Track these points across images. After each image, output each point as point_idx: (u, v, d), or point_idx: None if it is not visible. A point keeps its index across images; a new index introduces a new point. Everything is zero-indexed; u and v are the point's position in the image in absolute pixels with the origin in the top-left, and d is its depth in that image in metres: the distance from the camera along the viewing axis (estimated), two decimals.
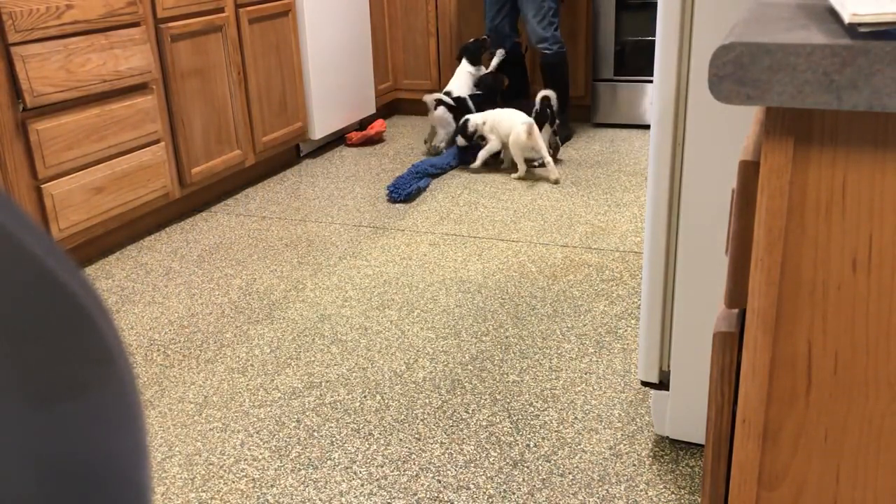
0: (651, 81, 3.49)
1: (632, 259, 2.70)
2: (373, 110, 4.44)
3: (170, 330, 2.34)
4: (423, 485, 1.66)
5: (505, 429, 1.83)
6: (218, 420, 1.90)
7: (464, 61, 4.11)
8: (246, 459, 1.76)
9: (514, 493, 1.62)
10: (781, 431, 0.69)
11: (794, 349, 0.67)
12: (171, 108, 3.03)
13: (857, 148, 0.61)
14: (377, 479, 1.68)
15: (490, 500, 1.61)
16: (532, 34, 3.91)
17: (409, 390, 1.99)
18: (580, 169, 3.69)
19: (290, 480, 1.69)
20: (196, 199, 3.33)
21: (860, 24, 0.58)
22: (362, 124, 4.42)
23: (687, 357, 1.62)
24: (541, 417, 1.86)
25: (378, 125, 4.27)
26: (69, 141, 2.59)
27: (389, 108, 4.80)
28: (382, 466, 1.72)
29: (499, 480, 1.66)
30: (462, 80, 4.08)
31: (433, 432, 1.83)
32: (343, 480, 1.68)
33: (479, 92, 4.00)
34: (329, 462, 1.74)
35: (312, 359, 2.15)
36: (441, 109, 3.91)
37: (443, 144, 3.91)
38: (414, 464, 1.72)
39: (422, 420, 1.87)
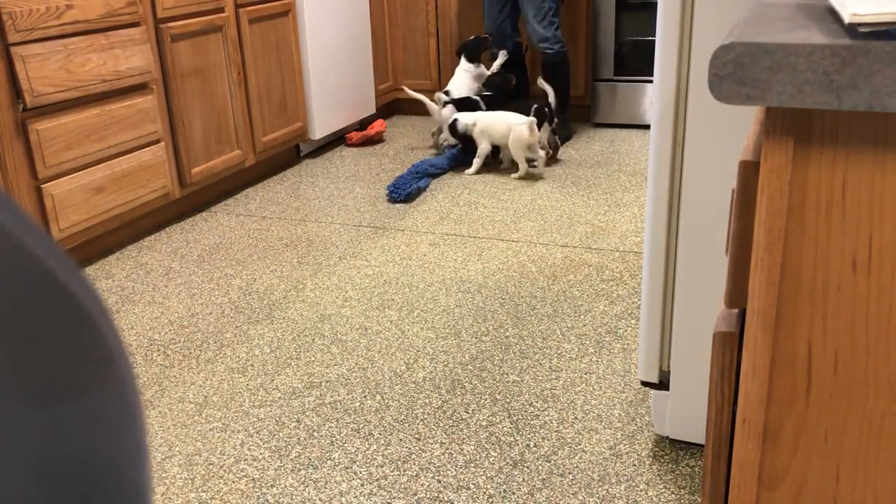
0: (651, 81, 3.49)
1: (632, 259, 2.70)
2: (373, 110, 4.44)
3: (170, 330, 2.34)
4: (423, 485, 1.66)
5: (505, 429, 1.83)
6: (218, 420, 1.90)
7: (462, 59, 4.11)
8: (246, 459, 1.76)
9: (514, 493, 1.62)
10: (781, 431, 0.69)
11: (794, 349, 0.67)
12: (171, 108, 3.03)
13: (857, 148, 0.61)
14: (377, 479, 1.68)
15: (490, 500, 1.61)
16: (533, 34, 3.91)
17: (409, 390, 1.99)
18: (580, 169, 3.69)
19: (290, 480, 1.69)
20: (196, 199, 3.33)
21: (860, 24, 0.58)
22: (362, 124, 4.42)
23: (687, 357, 1.62)
24: (541, 417, 1.86)
25: (378, 125, 4.27)
26: (69, 141, 2.59)
27: (389, 108, 4.80)
28: (382, 466, 1.72)
29: (499, 480, 1.66)
30: (461, 79, 4.08)
31: (433, 432, 1.83)
32: (343, 480, 1.68)
33: (488, 92, 3.99)
34: (329, 462, 1.74)
35: (312, 359, 2.15)
36: (448, 108, 3.93)
37: (445, 143, 3.92)
38: (414, 464, 1.72)
39: (422, 420, 1.87)
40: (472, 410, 1.90)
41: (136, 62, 2.81)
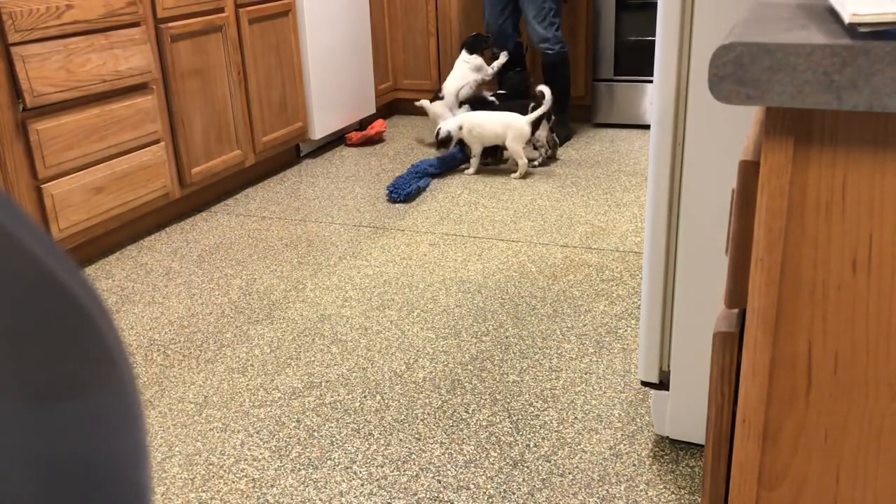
0: (651, 81, 3.49)
1: (632, 259, 2.70)
2: (373, 110, 4.44)
3: (170, 330, 2.34)
4: (423, 485, 1.66)
5: (505, 429, 1.83)
6: (218, 420, 1.90)
7: (463, 51, 4.13)
8: (246, 459, 1.76)
9: (514, 493, 1.62)
10: (781, 431, 0.69)
11: (794, 349, 0.67)
12: (171, 108, 3.03)
13: (857, 148, 0.61)
14: (377, 479, 1.68)
15: (490, 500, 1.61)
16: (533, 34, 3.91)
17: (409, 390, 1.99)
18: (580, 169, 3.69)
19: (290, 480, 1.69)
20: (196, 199, 3.33)
21: (860, 24, 0.58)
22: (362, 124, 4.42)
23: (687, 357, 1.62)
24: (541, 417, 1.86)
25: (378, 125, 4.27)
26: (69, 141, 2.59)
27: (389, 108, 4.80)
28: (382, 466, 1.72)
29: (499, 480, 1.66)
30: (459, 69, 4.10)
31: (433, 432, 1.83)
32: (343, 480, 1.68)
33: (502, 91, 3.99)
34: (329, 462, 1.74)
35: (312, 359, 2.15)
36: (439, 104, 3.98)
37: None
38: (414, 464, 1.72)
39: (422, 420, 1.87)
40: (472, 410, 1.90)
41: (136, 62, 2.81)
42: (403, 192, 3.33)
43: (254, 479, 1.69)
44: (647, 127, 4.08)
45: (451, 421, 1.86)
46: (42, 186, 2.52)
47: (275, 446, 1.80)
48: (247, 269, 2.75)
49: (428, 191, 3.47)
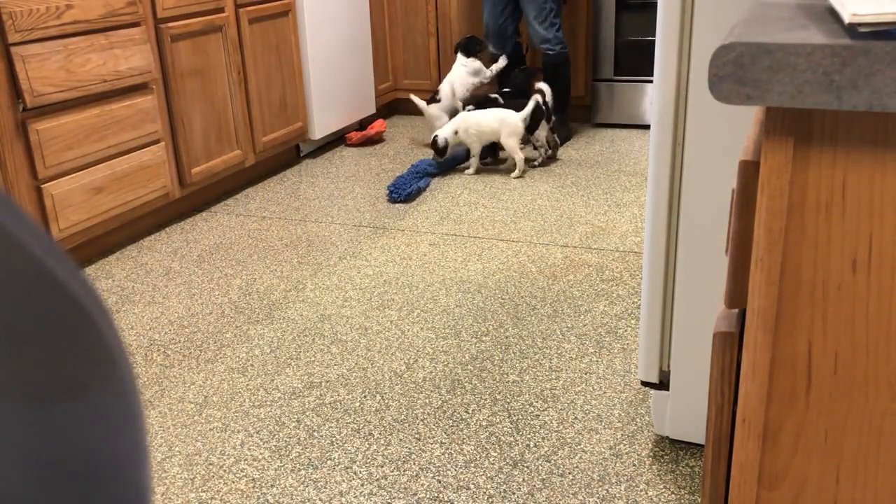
0: (651, 81, 3.49)
1: (632, 259, 2.70)
2: (373, 110, 4.44)
3: (170, 330, 2.34)
4: (423, 485, 1.66)
5: (505, 429, 1.83)
6: (218, 420, 1.90)
7: (458, 54, 4.14)
8: (246, 459, 1.76)
9: (514, 493, 1.62)
10: (781, 431, 0.69)
11: (794, 349, 0.67)
12: (171, 108, 3.03)
13: (857, 148, 0.61)
14: (377, 479, 1.68)
15: (490, 500, 1.61)
16: (534, 35, 3.91)
17: (409, 390, 1.99)
18: (580, 169, 3.69)
19: (290, 480, 1.69)
20: (196, 199, 3.33)
21: (860, 24, 0.58)
22: (362, 124, 4.42)
23: (687, 357, 1.62)
24: (541, 417, 1.86)
25: (378, 125, 4.27)
26: (69, 141, 2.59)
27: (389, 108, 4.80)
28: (382, 466, 1.72)
29: (499, 480, 1.66)
30: (457, 72, 4.10)
31: (433, 432, 1.83)
32: (343, 480, 1.68)
33: (507, 89, 3.99)
34: (329, 462, 1.74)
35: (312, 359, 2.15)
36: (435, 107, 4.01)
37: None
38: (414, 464, 1.72)
39: (422, 420, 1.87)
40: (472, 410, 1.90)
41: (136, 62, 2.81)
42: (404, 192, 3.33)
43: (254, 479, 1.69)
44: (647, 127, 4.08)
45: (451, 421, 1.86)
46: (42, 186, 2.52)
47: (275, 446, 1.80)
48: (247, 269, 2.75)
49: (428, 191, 3.47)
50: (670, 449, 1.74)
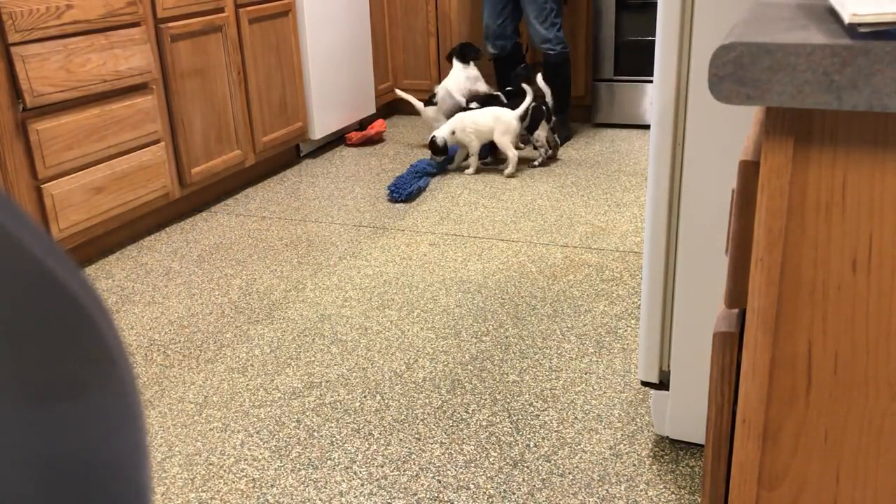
0: (651, 81, 3.49)
1: (632, 259, 2.70)
2: (373, 110, 4.44)
3: (170, 330, 2.34)
4: (423, 485, 1.66)
5: (505, 429, 1.83)
6: (218, 420, 1.90)
7: (455, 61, 4.14)
8: (246, 459, 1.76)
9: (514, 493, 1.62)
10: (781, 431, 0.69)
11: (794, 349, 0.67)
12: (171, 108, 3.03)
13: (857, 148, 0.61)
14: (377, 479, 1.68)
15: (490, 500, 1.61)
16: (535, 35, 3.91)
17: (409, 390, 1.99)
18: (580, 169, 3.69)
19: (290, 480, 1.69)
20: (196, 199, 3.33)
21: (860, 24, 0.58)
22: (362, 124, 4.42)
23: (687, 357, 1.62)
24: (541, 417, 1.86)
25: (378, 125, 4.27)
26: (69, 141, 2.59)
27: (389, 108, 4.80)
28: (382, 466, 1.72)
29: (499, 480, 1.66)
30: (456, 77, 4.10)
31: (433, 432, 1.83)
32: (343, 480, 1.68)
33: (510, 88, 4.00)
34: (329, 462, 1.74)
35: (312, 359, 2.15)
36: (432, 109, 4.01)
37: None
38: (414, 464, 1.72)
39: (422, 420, 1.87)
40: (472, 410, 1.90)
41: (136, 62, 2.81)
42: (405, 191, 3.33)
43: (254, 479, 1.69)
44: (647, 127, 4.08)
45: (451, 421, 1.86)
46: (42, 186, 2.52)
47: (275, 446, 1.80)
48: (247, 269, 2.75)
49: (428, 191, 3.47)
50: (670, 449, 1.74)
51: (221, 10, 3.25)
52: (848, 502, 0.69)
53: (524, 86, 3.70)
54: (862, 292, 0.64)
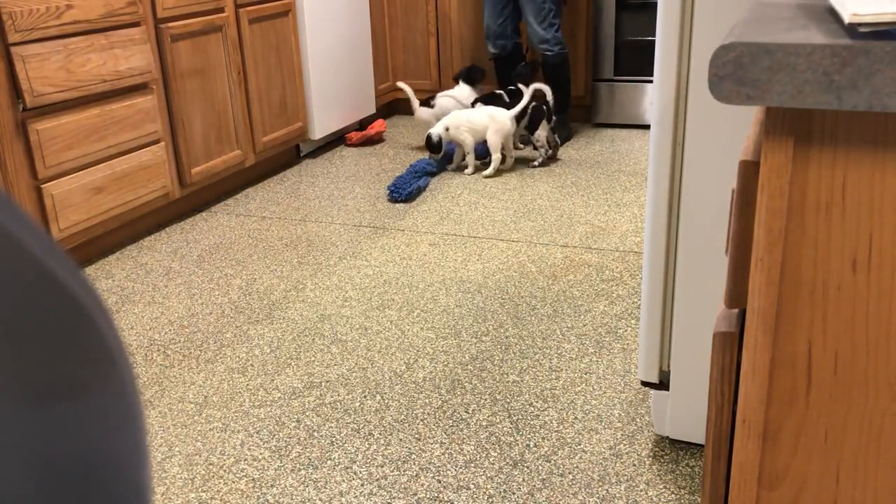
0: (651, 81, 3.49)
1: (632, 259, 2.70)
2: (373, 110, 4.44)
3: (170, 330, 2.34)
4: (423, 485, 1.66)
5: (505, 429, 1.83)
6: (218, 420, 1.90)
7: (461, 82, 4.17)
8: (246, 459, 1.76)
9: (514, 493, 1.62)
10: (781, 431, 0.69)
11: (794, 349, 0.67)
12: (171, 108, 3.03)
13: (857, 148, 0.61)
14: (377, 479, 1.68)
15: (490, 500, 1.61)
16: (533, 35, 3.91)
17: (409, 390, 1.99)
18: (580, 169, 3.69)
19: (290, 480, 1.69)
20: (196, 199, 3.33)
21: (860, 24, 0.58)
22: (362, 124, 4.42)
23: (687, 357, 1.62)
24: (541, 417, 1.86)
25: (378, 125, 4.27)
26: (69, 141, 2.59)
27: (389, 108, 4.80)
28: (382, 466, 1.72)
29: (499, 480, 1.66)
30: (457, 97, 4.11)
31: (433, 432, 1.83)
32: (343, 480, 1.68)
33: (512, 87, 4.01)
34: (329, 462, 1.74)
35: (312, 359, 2.15)
36: (426, 110, 4.04)
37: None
38: (414, 464, 1.72)
39: (422, 420, 1.87)
40: (472, 410, 1.90)
41: (136, 62, 2.81)
42: (405, 191, 3.33)
43: (254, 479, 1.69)
44: (647, 127, 4.08)
45: (451, 421, 1.86)
46: (42, 186, 2.52)
47: (275, 446, 1.80)
48: (247, 269, 2.75)
49: (428, 191, 3.47)
50: (670, 449, 1.74)
51: (221, 10, 3.25)
52: (848, 502, 0.69)
53: (520, 86, 3.71)
54: (862, 292, 0.64)
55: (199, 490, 1.67)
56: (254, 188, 3.59)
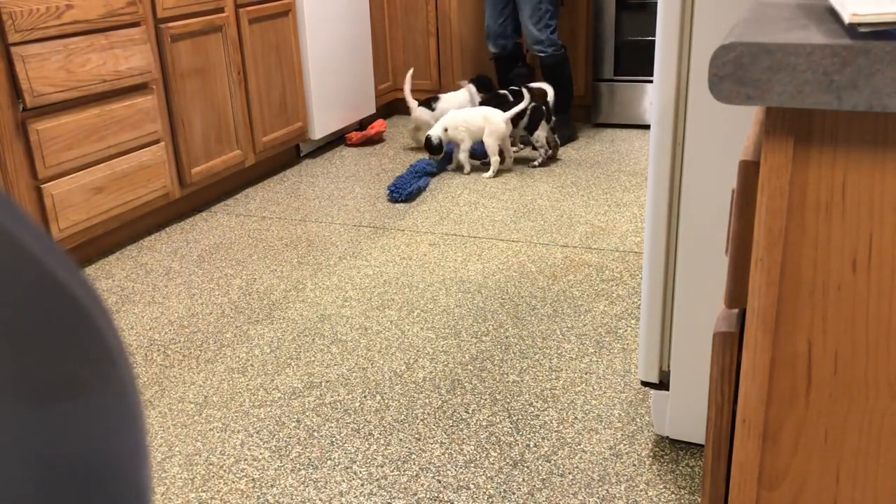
0: (651, 81, 3.49)
1: (632, 259, 2.70)
2: (373, 110, 4.44)
3: (170, 330, 2.34)
4: (423, 485, 1.66)
5: (505, 429, 1.83)
6: (218, 420, 1.90)
7: (471, 84, 4.16)
8: (246, 459, 1.76)
9: (514, 493, 1.62)
10: (781, 431, 0.69)
11: (794, 349, 0.67)
12: (171, 108, 3.03)
13: (857, 148, 0.61)
14: (377, 479, 1.68)
15: (490, 500, 1.61)
16: (528, 36, 3.91)
17: (409, 390, 1.99)
18: (580, 169, 3.69)
19: (290, 480, 1.69)
20: (196, 199, 3.33)
21: (860, 24, 0.58)
22: (362, 124, 4.42)
23: (687, 357, 1.62)
24: (541, 417, 1.86)
25: (378, 125, 4.27)
26: (69, 141, 2.59)
27: (389, 108, 4.80)
28: (382, 466, 1.72)
29: (499, 480, 1.66)
30: (461, 99, 4.11)
31: (433, 432, 1.83)
32: (343, 480, 1.68)
33: (514, 87, 4.01)
34: (329, 462, 1.74)
35: (312, 359, 2.15)
36: (423, 111, 4.05)
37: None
38: (414, 464, 1.72)
39: (422, 420, 1.87)
40: (472, 410, 1.90)
41: (136, 62, 2.81)
42: (405, 191, 3.33)
43: (254, 479, 1.69)
44: (647, 127, 4.08)
45: (451, 421, 1.86)
46: (42, 186, 2.52)
47: (275, 446, 1.80)
48: (247, 269, 2.75)
49: (428, 191, 3.47)
50: (670, 449, 1.74)
51: (221, 10, 3.25)
52: (848, 502, 0.69)
53: (515, 87, 3.70)
54: (862, 292, 0.64)
55: (199, 490, 1.67)
56: (254, 188, 3.59)
